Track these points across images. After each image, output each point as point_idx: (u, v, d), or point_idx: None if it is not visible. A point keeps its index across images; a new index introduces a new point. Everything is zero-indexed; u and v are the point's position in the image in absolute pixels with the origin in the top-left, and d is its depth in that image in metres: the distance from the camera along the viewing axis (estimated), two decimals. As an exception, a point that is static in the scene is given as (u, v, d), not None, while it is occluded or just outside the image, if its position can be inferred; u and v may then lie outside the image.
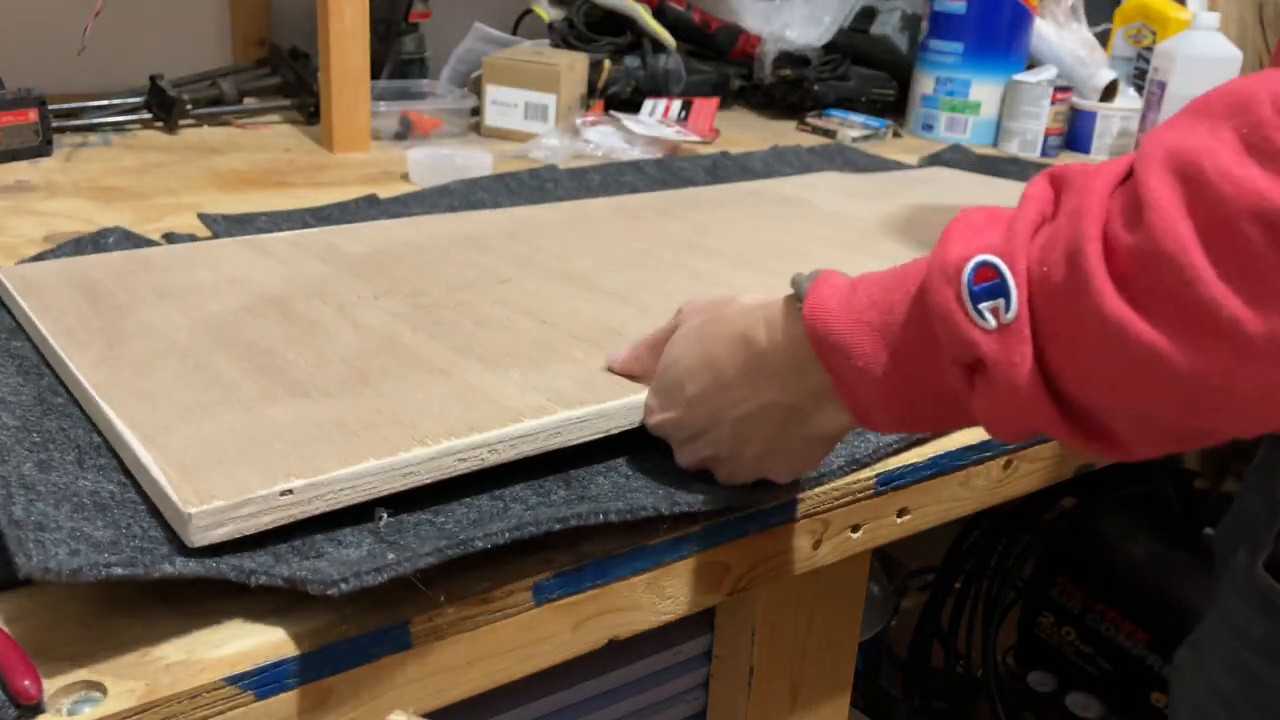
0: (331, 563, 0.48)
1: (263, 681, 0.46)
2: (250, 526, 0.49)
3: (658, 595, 0.57)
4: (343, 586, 0.45)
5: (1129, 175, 0.41)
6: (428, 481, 0.53)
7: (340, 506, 0.51)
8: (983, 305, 0.42)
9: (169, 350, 0.64)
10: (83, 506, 0.49)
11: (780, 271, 0.83)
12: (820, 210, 1.06)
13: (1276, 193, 0.36)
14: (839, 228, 0.99)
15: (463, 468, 0.54)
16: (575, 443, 0.58)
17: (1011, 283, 0.42)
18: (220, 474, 0.50)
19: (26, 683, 0.42)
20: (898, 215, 1.04)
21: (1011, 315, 0.42)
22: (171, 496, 0.48)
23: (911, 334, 0.47)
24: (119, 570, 0.44)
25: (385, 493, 0.52)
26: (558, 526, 0.52)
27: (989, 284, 0.42)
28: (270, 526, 0.49)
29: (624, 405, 0.60)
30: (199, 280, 0.75)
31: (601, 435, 0.59)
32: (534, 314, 0.72)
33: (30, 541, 0.45)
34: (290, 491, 0.50)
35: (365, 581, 0.46)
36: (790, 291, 0.52)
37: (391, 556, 0.47)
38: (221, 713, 0.46)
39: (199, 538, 0.48)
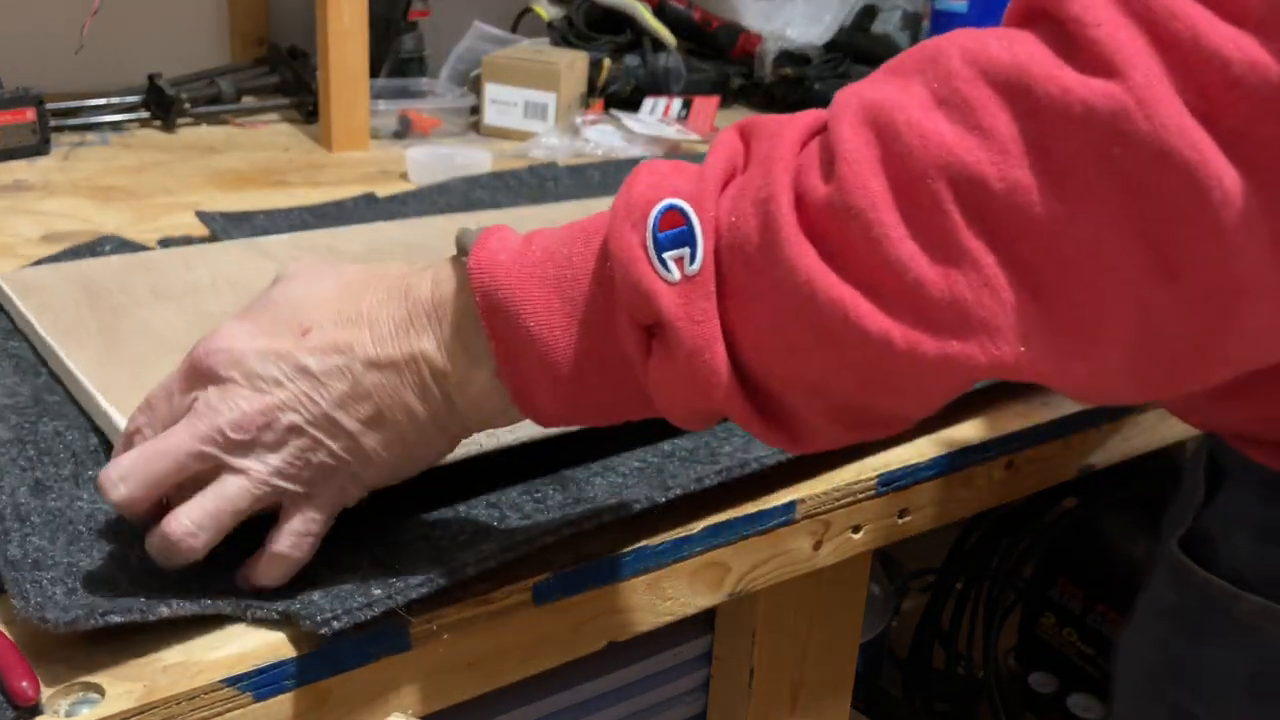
0: (325, 593, 0.48)
1: (261, 683, 0.46)
2: None
3: (658, 596, 0.57)
4: (334, 625, 0.45)
5: (822, 129, 0.39)
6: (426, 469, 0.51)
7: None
8: (667, 254, 0.39)
9: (168, 349, 0.63)
10: (78, 536, 0.49)
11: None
12: None
13: (963, 148, 0.35)
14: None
15: (461, 454, 0.53)
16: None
17: (699, 230, 0.39)
18: None
19: (24, 684, 0.42)
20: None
21: (696, 267, 0.39)
22: None
23: (589, 288, 0.42)
24: (116, 617, 0.44)
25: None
26: (550, 539, 0.52)
27: (675, 231, 0.39)
28: None
29: None
30: (197, 280, 0.75)
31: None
32: None
33: (27, 583, 0.45)
34: None
35: (356, 618, 0.46)
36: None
37: (379, 593, 0.47)
38: (220, 714, 0.45)
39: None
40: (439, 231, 0.89)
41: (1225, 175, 0.33)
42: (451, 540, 0.52)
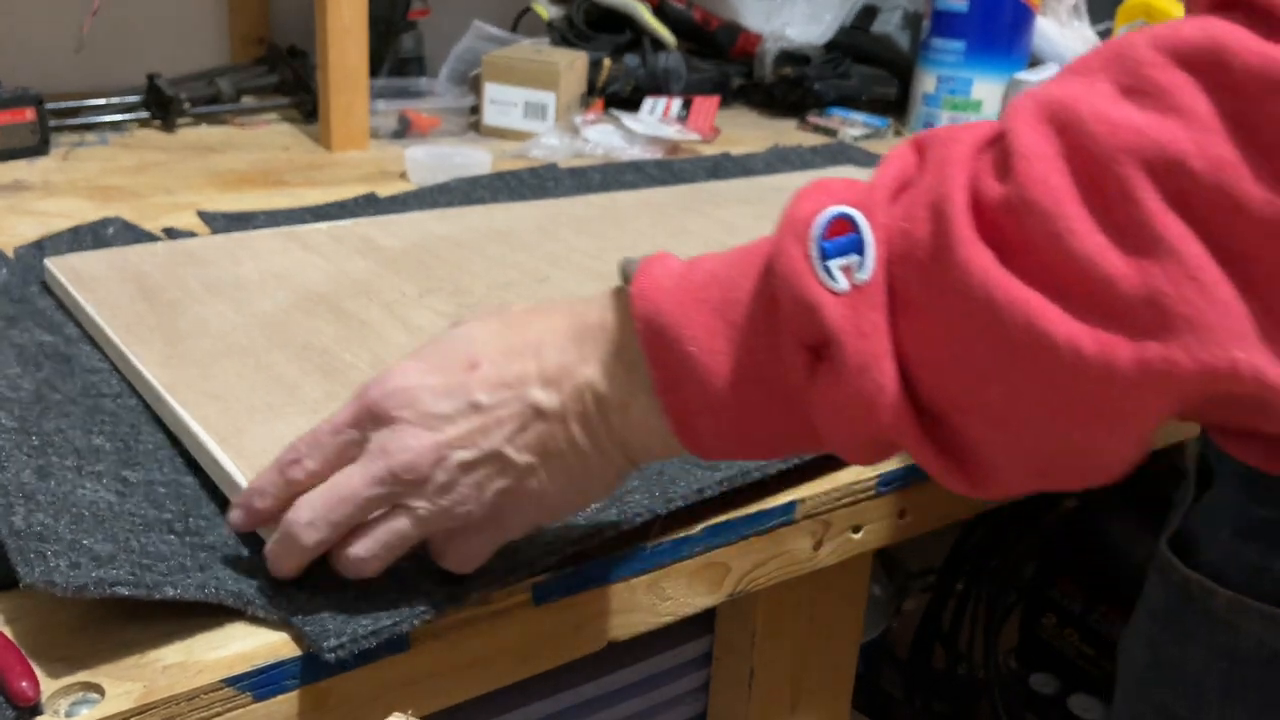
0: (333, 613, 0.47)
1: (261, 683, 0.46)
2: None
3: (658, 597, 0.57)
4: (340, 653, 0.45)
5: (1000, 136, 0.36)
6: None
7: None
8: (833, 262, 0.37)
9: (228, 349, 0.65)
10: (81, 518, 0.49)
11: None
12: None
13: (1156, 129, 0.32)
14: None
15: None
16: None
17: (869, 237, 0.37)
18: None
19: (24, 684, 0.42)
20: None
21: (866, 275, 0.37)
22: None
23: (754, 310, 0.40)
24: (124, 589, 0.44)
25: None
26: (552, 560, 0.52)
27: (842, 239, 0.37)
28: None
29: None
30: (245, 275, 0.76)
31: None
32: None
33: (32, 552, 0.45)
34: None
35: (360, 645, 0.46)
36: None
37: (387, 622, 0.47)
38: (219, 714, 0.45)
39: None
40: (479, 225, 0.90)
41: None
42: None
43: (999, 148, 0.36)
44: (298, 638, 0.47)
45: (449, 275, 0.78)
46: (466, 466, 0.45)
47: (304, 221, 0.93)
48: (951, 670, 1.38)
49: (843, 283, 0.37)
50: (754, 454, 0.44)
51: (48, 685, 0.43)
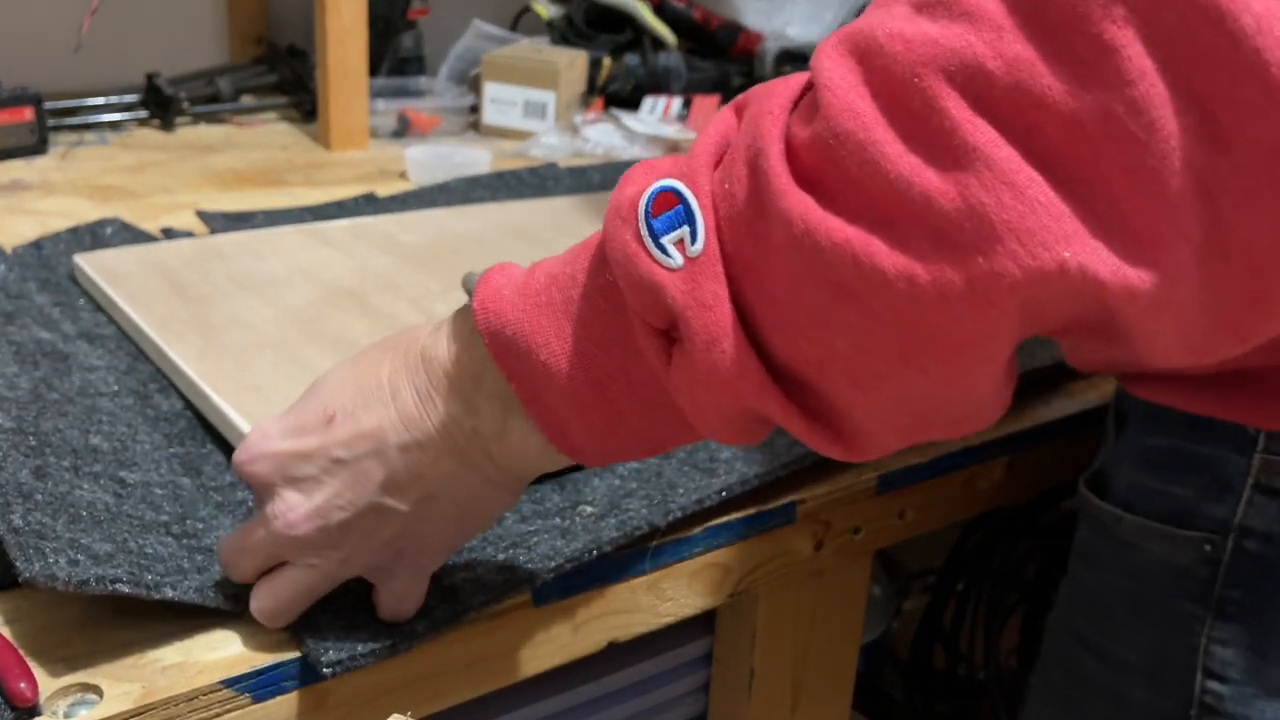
0: (331, 629, 0.47)
1: (260, 684, 0.46)
2: None
3: (658, 597, 0.57)
4: (337, 669, 0.46)
5: (810, 80, 0.36)
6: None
7: None
8: (665, 239, 0.36)
9: (262, 343, 0.66)
10: (79, 519, 0.49)
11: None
12: None
13: (950, 37, 0.31)
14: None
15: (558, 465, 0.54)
16: None
17: (696, 207, 0.36)
18: None
19: (23, 685, 0.42)
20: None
21: (699, 247, 0.36)
22: None
23: (598, 304, 0.39)
24: (124, 587, 0.44)
25: None
26: (551, 576, 0.52)
27: (670, 212, 0.36)
28: None
29: None
30: (272, 271, 0.76)
31: None
32: None
33: (31, 549, 0.45)
34: None
35: (359, 664, 0.46)
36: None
37: (388, 642, 0.47)
38: (218, 715, 0.45)
39: None
40: (496, 222, 0.90)
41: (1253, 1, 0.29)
42: (452, 565, 0.52)
43: (810, 91, 0.35)
44: (297, 638, 0.47)
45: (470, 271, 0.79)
46: (346, 526, 0.44)
47: (303, 221, 0.92)
48: (952, 671, 1.38)
49: (677, 258, 0.36)
50: (634, 453, 0.43)
51: (47, 686, 0.43)
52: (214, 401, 0.59)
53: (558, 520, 0.54)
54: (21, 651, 0.44)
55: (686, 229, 0.36)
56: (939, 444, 0.66)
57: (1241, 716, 0.51)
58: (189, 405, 0.62)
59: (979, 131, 0.31)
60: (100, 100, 1.21)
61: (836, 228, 0.33)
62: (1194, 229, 0.31)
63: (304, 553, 0.45)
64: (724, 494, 0.57)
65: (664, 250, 0.36)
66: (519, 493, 0.46)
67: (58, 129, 1.15)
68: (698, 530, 0.57)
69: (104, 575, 0.44)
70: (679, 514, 0.56)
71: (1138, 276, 0.32)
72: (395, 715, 0.49)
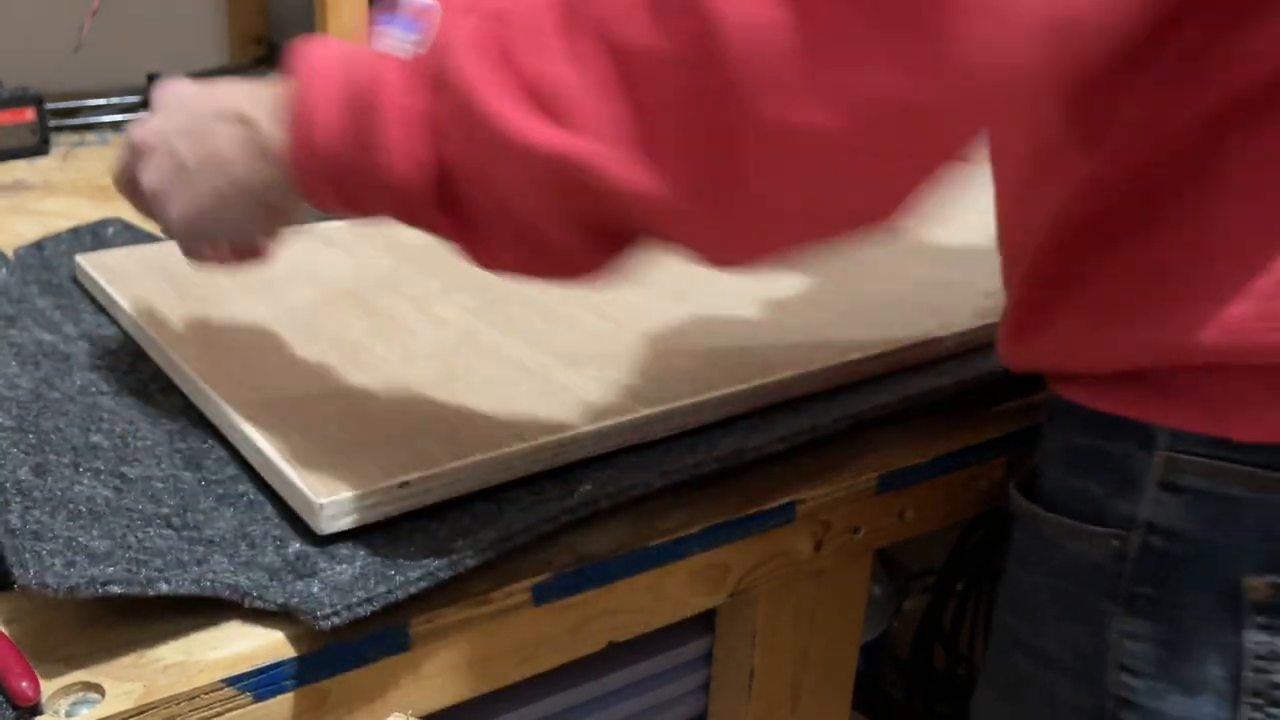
0: (324, 585, 0.48)
1: (261, 683, 0.46)
2: (371, 516, 0.51)
3: (658, 597, 0.57)
4: (334, 620, 0.46)
5: None
6: (521, 475, 0.56)
7: (449, 497, 0.54)
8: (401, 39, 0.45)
9: (263, 343, 0.66)
10: (78, 514, 0.49)
11: (839, 268, 0.82)
12: None
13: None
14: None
15: (556, 461, 0.57)
16: (659, 438, 0.60)
17: (431, 24, 0.44)
18: (341, 466, 0.52)
19: (24, 684, 0.42)
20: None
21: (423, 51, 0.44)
22: (301, 488, 0.51)
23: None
24: (116, 588, 0.44)
25: (486, 485, 0.55)
26: (549, 528, 0.52)
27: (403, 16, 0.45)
28: (387, 516, 0.52)
29: (707, 401, 0.61)
30: (272, 271, 0.76)
31: (680, 431, 0.61)
32: (598, 310, 0.73)
33: (27, 553, 0.45)
34: (407, 484, 0.52)
35: (356, 613, 0.46)
36: None
37: (380, 589, 0.47)
38: (219, 714, 0.45)
39: (328, 526, 0.50)
40: None
41: None
42: (449, 532, 0.52)
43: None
44: (297, 637, 0.47)
45: (471, 271, 0.78)
46: (162, 152, 0.55)
47: (303, 220, 0.93)
48: (952, 670, 1.38)
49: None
50: (352, 206, 0.50)
51: (48, 685, 0.43)
52: (215, 402, 0.59)
53: (557, 504, 0.55)
54: (22, 651, 0.44)
55: (416, 35, 0.45)
56: (939, 444, 0.66)
57: (1154, 710, 0.52)
58: (190, 405, 0.62)
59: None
60: (101, 101, 1.21)
61: (485, 86, 0.41)
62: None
63: (141, 160, 0.57)
64: (720, 463, 0.58)
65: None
66: (273, 223, 0.57)
67: (59, 129, 1.15)
68: (697, 529, 0.57)
69: (96, 577, 0.44)
70: (675, 477, 0.57)
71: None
72: (395, 715, 0.49)
